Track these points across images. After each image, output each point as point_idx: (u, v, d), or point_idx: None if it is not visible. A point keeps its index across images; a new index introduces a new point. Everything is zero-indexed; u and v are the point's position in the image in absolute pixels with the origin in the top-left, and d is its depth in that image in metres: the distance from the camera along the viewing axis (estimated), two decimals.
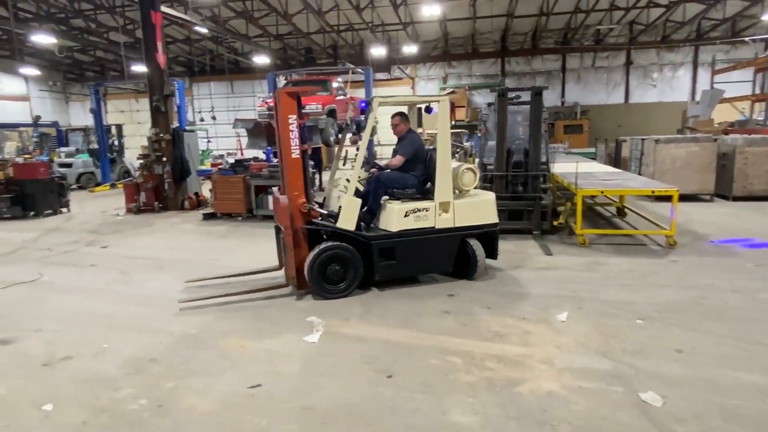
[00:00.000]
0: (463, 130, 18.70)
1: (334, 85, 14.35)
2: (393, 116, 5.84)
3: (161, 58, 11.51)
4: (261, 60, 21.11)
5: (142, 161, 12.22)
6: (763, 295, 5.02)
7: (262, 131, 10.99)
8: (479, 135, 9.36)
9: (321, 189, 11.66)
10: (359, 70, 15.79)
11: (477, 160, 9.05)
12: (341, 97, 14.22)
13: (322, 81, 14.61)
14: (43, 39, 16.17)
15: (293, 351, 4.03)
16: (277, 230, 5.76)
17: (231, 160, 15.19)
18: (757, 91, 14.88)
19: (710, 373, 3.48)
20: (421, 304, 5.02)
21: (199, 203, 12.03)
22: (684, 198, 9.87)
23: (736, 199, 10.79)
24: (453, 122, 14.37)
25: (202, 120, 24.62)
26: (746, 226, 8.29)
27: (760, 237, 7.46)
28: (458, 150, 13.48)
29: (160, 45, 11.47)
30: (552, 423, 2.94)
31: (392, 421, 3.03)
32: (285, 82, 15.05)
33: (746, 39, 18.68)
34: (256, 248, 7.55)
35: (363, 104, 8.01)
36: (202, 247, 8.04)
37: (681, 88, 21.21)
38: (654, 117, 20.59)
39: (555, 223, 8.17)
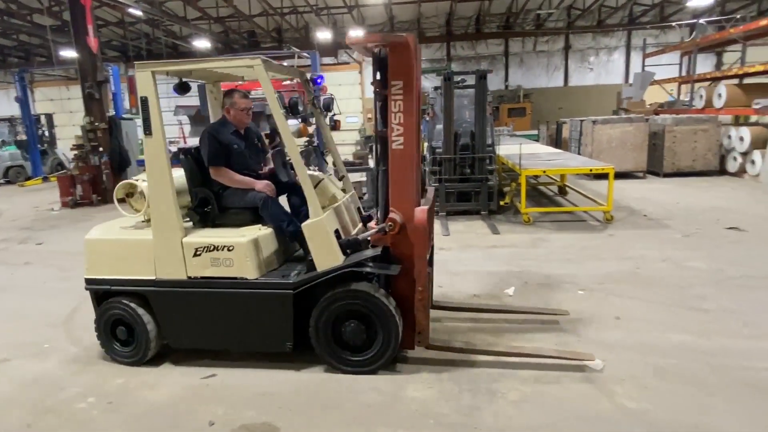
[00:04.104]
0: None
1: None
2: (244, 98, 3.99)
3: (93, 42, 10.86)
4: (201, 44, 20.25)
5: (76, 152, 11.57)
6: (689, 263, 5.43)
7: (202, 118, 10.68)
8: (427, 119, 9.47)
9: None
10: (305, 54, 15.50)
11: (426, 144, 9.16)
12: (287, 83, 13.93)
13: None
14: None
15: None
16: None
17: (173, 149, 14.61)
18: (683, 74, 15.71)
19: (645, 337, 3.76)
20: None
21: None
22: (620, 175, 10.44)
23: (666, 175, 11.52)
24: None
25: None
26: (675, 200, 8.89)
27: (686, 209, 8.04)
28: None
29: (90, 28, 10.81)
30: (502, 391, 3.10)
31: (350, 399, 3.09)
32: None
33: (673, 24, 19.74)
34: None
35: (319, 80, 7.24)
36: None
37: (616, 71, 22.16)
38: (591, 99, 21.37)
39: (501, 203, 8.45)
